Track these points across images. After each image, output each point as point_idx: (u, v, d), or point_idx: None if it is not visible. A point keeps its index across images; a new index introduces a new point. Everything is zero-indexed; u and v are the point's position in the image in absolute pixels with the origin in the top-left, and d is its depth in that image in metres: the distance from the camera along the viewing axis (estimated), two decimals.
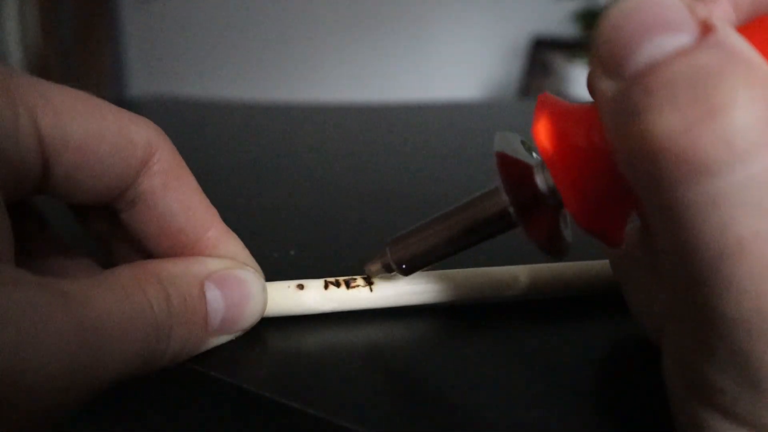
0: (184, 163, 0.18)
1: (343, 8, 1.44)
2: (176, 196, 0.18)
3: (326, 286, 0.19)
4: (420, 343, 0.19)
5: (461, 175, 0.36)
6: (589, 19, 1.05)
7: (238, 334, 0.18)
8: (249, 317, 0.18)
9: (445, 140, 0.47)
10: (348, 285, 0.19)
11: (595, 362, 0.18)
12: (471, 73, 1.35)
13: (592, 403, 0.16)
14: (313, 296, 0.19)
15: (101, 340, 0.13)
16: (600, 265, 0.21)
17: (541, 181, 0.15)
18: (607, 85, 0.12)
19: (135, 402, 0.19)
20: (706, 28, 0.12)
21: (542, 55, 1.22)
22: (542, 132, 0.14)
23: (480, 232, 0.17)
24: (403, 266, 0.18)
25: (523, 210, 0.15)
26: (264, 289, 0.18)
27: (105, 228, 0.20)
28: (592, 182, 0.13)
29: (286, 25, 1.49)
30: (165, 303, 0.15)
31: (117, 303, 0.14)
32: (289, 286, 0.19)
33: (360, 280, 0.19)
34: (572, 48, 1.12)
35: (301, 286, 0.19)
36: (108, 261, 0.20)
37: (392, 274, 0.19)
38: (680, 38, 0.12)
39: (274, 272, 0.19)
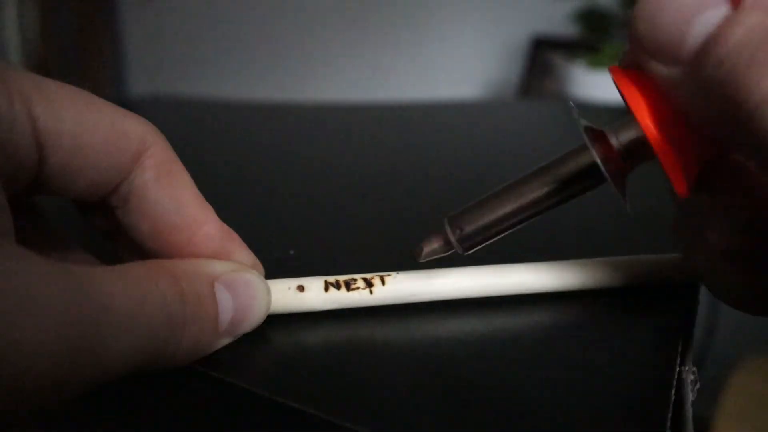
0: (178, 160, 0.18)
1: (343, 8, 1.43)
2: (168, 191, 0.18)
3: (326, 288, 0.19)
4: (421, 341, 0.19)
5: (461, 175, 0.36)
6: (589, 19, 1.05)
7: (239, 336, 0.18)
8: (254, 320, 0.18)
9: (445, 140, 0.47)
10: (348, 287, 0.19)
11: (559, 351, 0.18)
12: (471, 73, 1.35)
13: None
14: (313, 298, 0.19)
15: (105, 320, 0.13)
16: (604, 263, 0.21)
17: (615, 142, 0.17)
18: (667, 71, 0.14)
19: (135, 402, 0.19)
20: None
21: (542, 55, 1.21)
22: (630, 94, 0.16)
23: (564, 191, 0.17)
24: (467, 241, 0.18)
25: (607, 163, 0.17)
26: (268, 292, 0.18)
27: (107, 227, 0.20)
28: (677, 138, 0.15)
29: (285, 25, 1.49)
30: (179, 297, 0.15)
31: (125, 288, 0.14)
32: (289, 287, 0.19)
33: (360, 281, 0.19)
34: (572, 48, 1.12)
35: (301, 288, 0.19)
36: (111, 261, 0.20)
37: (448, 253, 0.19)
38: (719, 10, 0.13)
39: (274, 272, 0.19)
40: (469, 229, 0.18)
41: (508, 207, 0.18)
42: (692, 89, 0.14)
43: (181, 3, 1.57)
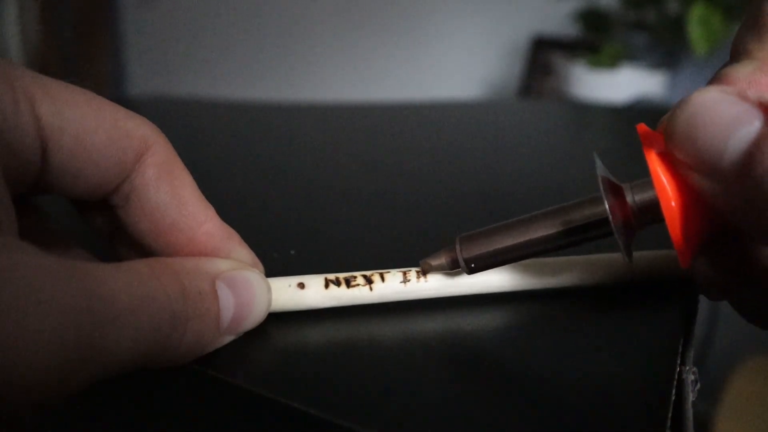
0: (179, 159, 0.18)
1: (342, 8, 1.44)
2: (169, 190, 0.18)
3: (327, 285, 0.19)
4: (421, 338, 0.19)
5: (461, 175, 0.36)
6: (589, 19, 1.05)
7: (240, 334, 0.18)
8: (255, 317, 0.18)
9: (445, 140, 0.47)
10: (348, 284, 0.19)
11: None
12: (471, 73, 1.35)
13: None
14: (313, 295, 0.19)
15: (110, 314, 0.13)
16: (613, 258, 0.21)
17: (630, 200, 0.17)
18: (707, 184, 0.15)
19: (134, 401, 0.19)
20: (766, 109, 0.14)
21: (542, 55, 1.21)
22: (657, 170, 0.16)
23: (571, 236, 0.18)
24: (473, 264, 0.19)
25: (617, 219, 0.17)
26: (269, 290, 0.18)
27: (106, 226, 0.20)
28: (690, 213, 0.16)
29: (285, 25, 1.49)
30: (181, 293, 0.15)
31: (128, 284, 0.14)
32: (290, 285, 0.19)
33: (360, 278, 0.19)
34: (572, 48, 1.12)
35: (302, 285, 0.19)
36: (111, 261, 0.20)
37: (454, 271, 0.19)
38: (753, 126, 0.14)
39: (274, 272, 0.19)
40: (477, 252, 0.19)
41: (517, 240, 0.18)
42: (732, 199, 0.15)
43: (182, 3, 1.58)
